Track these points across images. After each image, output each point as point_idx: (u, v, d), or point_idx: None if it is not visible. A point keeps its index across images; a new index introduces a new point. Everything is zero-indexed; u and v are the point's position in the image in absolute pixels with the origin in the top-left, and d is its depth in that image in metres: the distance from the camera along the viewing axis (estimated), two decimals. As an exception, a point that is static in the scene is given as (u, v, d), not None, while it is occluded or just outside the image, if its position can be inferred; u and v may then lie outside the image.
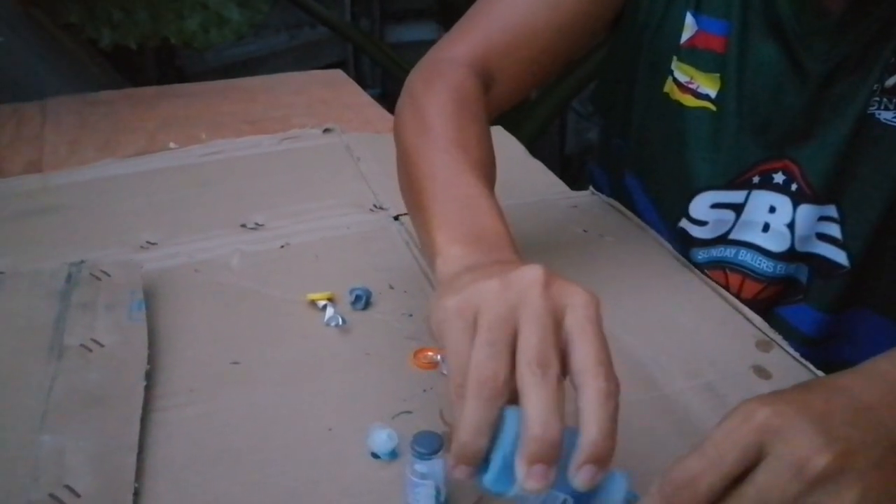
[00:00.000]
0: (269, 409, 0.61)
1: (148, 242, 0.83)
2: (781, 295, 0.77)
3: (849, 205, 0.71)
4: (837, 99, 0.69)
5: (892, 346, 0.48)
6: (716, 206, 0.76)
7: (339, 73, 1.41)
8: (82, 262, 0.75)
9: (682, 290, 0.75)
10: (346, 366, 0.65)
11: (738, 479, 0.41)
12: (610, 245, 0.82)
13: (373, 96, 1.29)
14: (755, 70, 0.72)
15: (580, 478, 0.41)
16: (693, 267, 0.78)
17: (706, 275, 0.77)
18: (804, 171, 0.71)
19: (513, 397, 0.43)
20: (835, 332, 0.75)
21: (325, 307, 0.71)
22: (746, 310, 0.71)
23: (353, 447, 0.57)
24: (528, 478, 0.41)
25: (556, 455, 0.41)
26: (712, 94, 0.74)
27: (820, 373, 0.64)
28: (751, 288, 0.77)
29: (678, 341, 0.68)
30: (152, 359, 0.63)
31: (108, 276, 0.73)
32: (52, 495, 0.51)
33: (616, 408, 0.42)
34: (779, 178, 0.73)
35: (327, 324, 0.70)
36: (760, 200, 0.74)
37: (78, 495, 0.51)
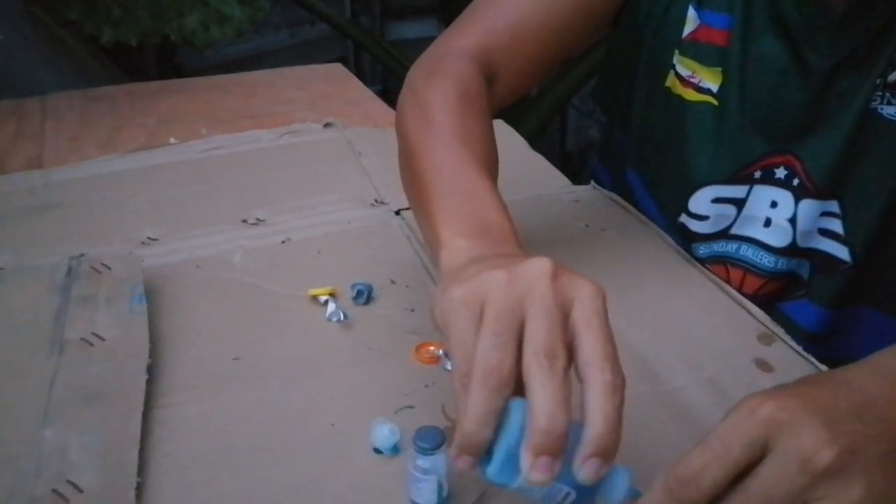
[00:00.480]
0: (272, 405, 0.61)
1: (149, 238, 0.82)
2: (783, 290, 0.77)
3: (851, 200, 0.70)
4: (840, 94, 0.69)
5: (893, 342, 0.48)
6: (717, 200, 0.76)
7: (339, 68, 1.40)
8: (82, 255, 0.75)
9: (683, 284, 0.75)
10: (348, 361, 0.65)
11: (743, 473, 0.41)
12: (611, 239, 0.82)
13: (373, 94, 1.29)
14: (757, 64, 0.72)
15: (585, 471, 0.41)
16: (694, 261, 0.78)
17: (708, 269, 0.77)
18: (806, 167, 0.71)
19: (517, 390, 0.42)
20: (836, 328, 0.75)
21: (326, 302, 0.71)
22: (748, 303, 0.71)
23: (356, 442, 0.57)
24: (532, 470, 0.41)
25: (562, 447, 0.41)
26: (714, 88, 0.74)
27: (822, 366, 0.63)
28: (752, 283, 0.77)
29: (680, 335, 0.68)
30: (154, 356, 0.63)
31: (109, 269, 0.73)
32: (54, 491, 0.51)
33: (622, 402, 0.42)
34: (781, 172, 0.73)
35: (329, 319, 0.69)
36: (762, 195, 0.74)
37: (81, 490, 0.51)
